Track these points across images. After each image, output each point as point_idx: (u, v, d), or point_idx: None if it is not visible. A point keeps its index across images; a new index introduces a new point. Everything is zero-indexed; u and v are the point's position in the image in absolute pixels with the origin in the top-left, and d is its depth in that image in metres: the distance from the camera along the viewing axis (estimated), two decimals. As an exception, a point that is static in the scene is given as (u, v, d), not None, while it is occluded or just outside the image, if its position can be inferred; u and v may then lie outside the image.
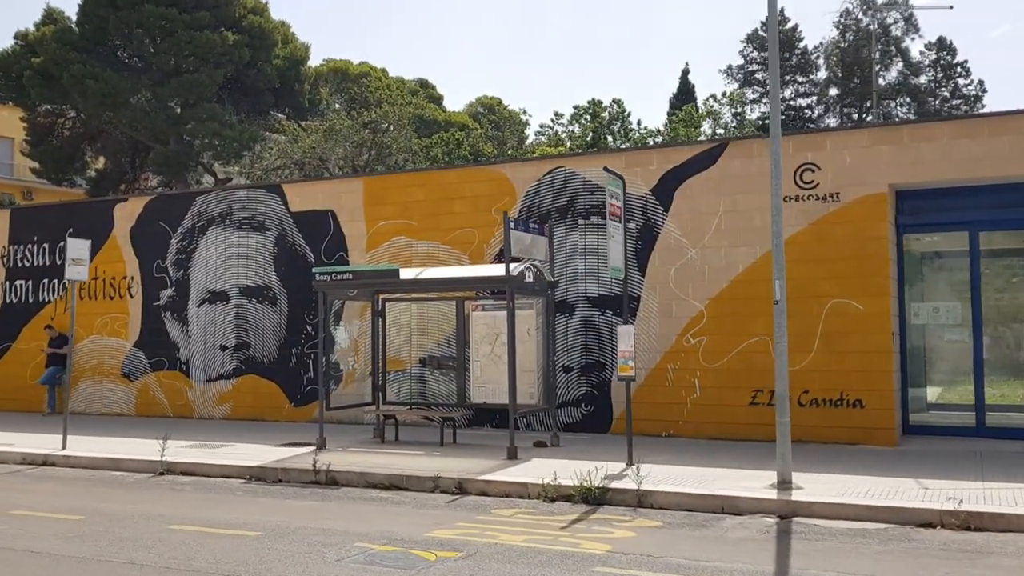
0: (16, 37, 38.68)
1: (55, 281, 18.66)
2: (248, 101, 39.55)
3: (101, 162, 42.50)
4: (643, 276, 13.38)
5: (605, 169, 10.59)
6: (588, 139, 35.30)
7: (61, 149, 40.34)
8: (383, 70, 45.30)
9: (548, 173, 14.17)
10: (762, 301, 12.58)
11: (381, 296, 13.47)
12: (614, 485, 8.92)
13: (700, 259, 12.98)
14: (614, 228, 10.27)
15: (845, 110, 41.73)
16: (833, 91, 43.25)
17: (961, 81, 42.88)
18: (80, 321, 18.14)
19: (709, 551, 6.90)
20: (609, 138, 35.50)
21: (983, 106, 42.08)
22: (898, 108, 42.28)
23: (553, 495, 8.99)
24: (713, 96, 32.90)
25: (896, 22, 41.80)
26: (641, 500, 8.65)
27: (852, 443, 11.93)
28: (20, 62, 37.07)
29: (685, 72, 39.51)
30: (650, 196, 13.40)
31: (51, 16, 38.32)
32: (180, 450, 12.16)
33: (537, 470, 10.08)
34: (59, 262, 18.59)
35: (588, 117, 37.23)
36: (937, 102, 42.40)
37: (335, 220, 15.85)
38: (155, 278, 17.54)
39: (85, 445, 12.84)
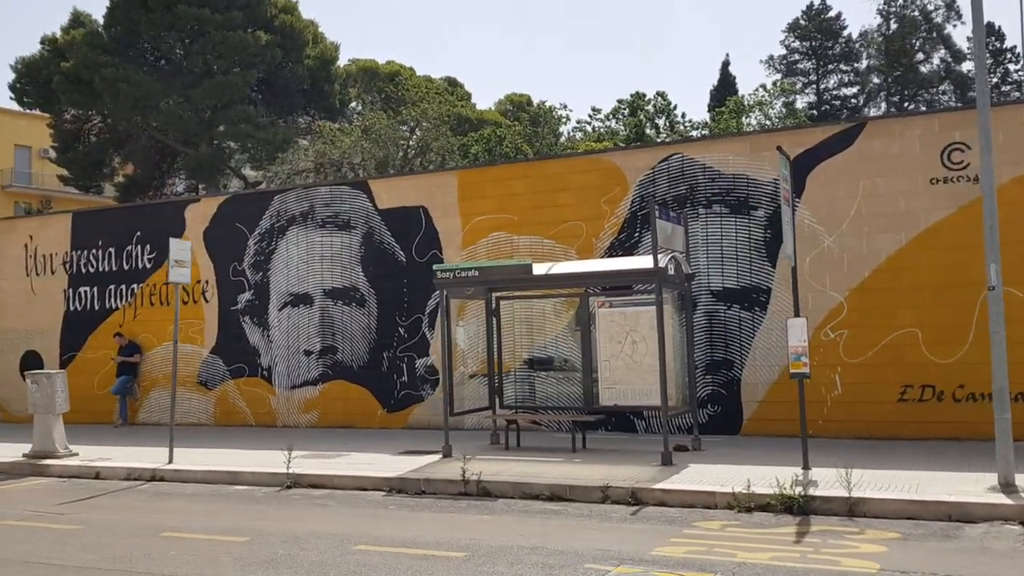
0: (43, 42, 38.00)
1: (122, 287, 17.92)
2: (279, 102, 38.82)
3: (129, 168, 41.80)
4: (774, 267, 12.63)
5: (778, 149, 9.84)
6: (631, 134, 34.56)
7: (89, 155, 39.66)
8: (411, 69, 44.58)
9: (663, 161, 13.42)
10: (910, 291, 11.85)
11: (495, 294, 12.72)
12: (819, 493, 8.17)
13: (838, 247, 12.22)
14: (786, 213, 9.51)
15: (892, 99, 40.90)
16: (875, 79, 42.41)
17: (1012, 67, 42.13)
18: (151, 328, 17.46)
19: (990, 565, 6.16)
20: (652, 132, 34.75)
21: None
22: (941, 96, 41.48)
23: (748, 505, 8.24)
24: (763, 86, 32.10)
25: (937, 9, 41.04)
26: (853, 509, 7.90)
27: (1018, 440, 11.15)
28: (49, 67, 36.34)
29: (725, 64, 38.80)
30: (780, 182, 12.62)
31: (79, 19, 37.61)
32: (296, 461, 11.40)
33: (704, 477, 9.34)
34: (127, 267, 17.87)
35: (627, 111, 36.51)
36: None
37: (427, 216, 15.11)
38: (232, 281, 16.80)
39: (189, 458, 12.09)
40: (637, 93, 33.03)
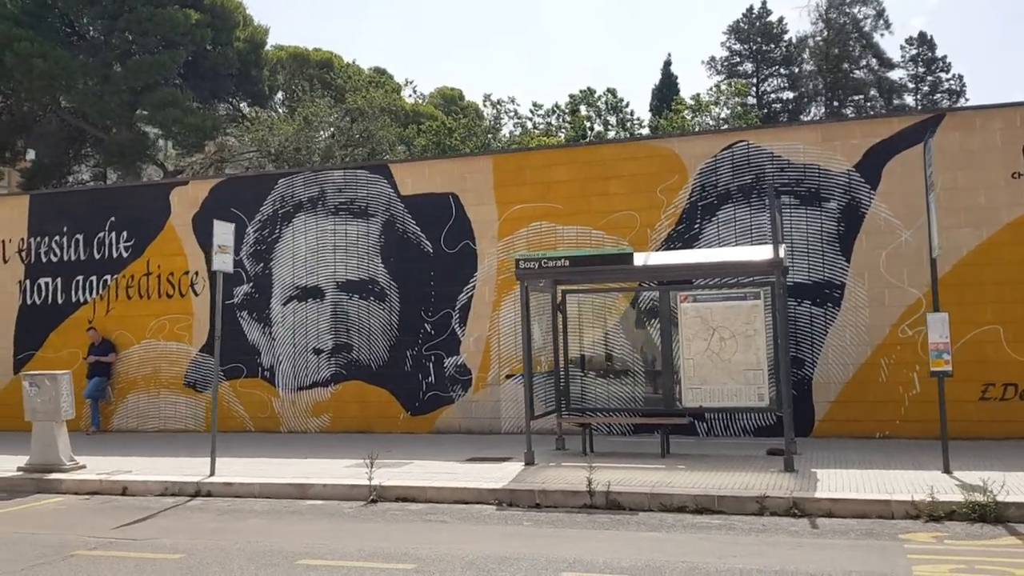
0: (-60, 10, 34.40)
1: (92, 278, 16.04)
2: (205, 86, 36.46)
3: (33, 153, 38.48)
4: (848, 261, 12.22)
5: (931, 133, 9.34)
6: (575, 134, 34.09)
7: (-10, 138, 36.20)
8: (339, 56, 42.83)
9: (727, 148, 12.83)
10: (992, 286, 11.64)
11: (560, 287, 11.82)
12: (1010, 499, 7.67)
13: (915, 242, 11.89)
14: (932, 201, 9.03)
15: (834, 103, 41.94)
16: (812, 83, 43.34)
17: (943, 75, 43.94)
18: (126, 324, 15.77)
19: None
20: (599, 129, 34.40)
21: (966, 99, 43.43)
22: (869, 103, 42.85)
23: (935, 514, 7.67)
24: (716, 86, 32.16)
25: (866, 18, 42.41)
26: (1050, 514, 7.45)
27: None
28: (-48, 39, 32.92)
29: (667, 63, 38.83)
30: (853, 172, 12.24)
31: (-16, -14, 34.23)
32: (358, 471, 10.22)
33: (846, 483, 8.77)
34: (98, 256, 16.01)
35: (567, 110, 36.06)
36: (919, 96, 43.29)
37: (458, 204, 14.05)
38: (227, 273, 15.21)
39: (230, 469, 10.68)
40: (588, 89, 32.52)
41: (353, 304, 14.53)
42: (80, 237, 16.15)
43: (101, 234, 16.01)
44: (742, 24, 43.75)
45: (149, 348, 15.60)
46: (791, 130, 13.82)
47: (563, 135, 35.57)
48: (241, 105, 39.92)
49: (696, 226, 12.87)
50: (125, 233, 15.87)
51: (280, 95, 41.48)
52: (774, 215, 9.74)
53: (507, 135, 38.29)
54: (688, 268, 10.80)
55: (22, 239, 16.53)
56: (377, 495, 9.34)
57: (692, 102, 30.98)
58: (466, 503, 9.05)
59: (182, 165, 38.74)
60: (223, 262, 10.73)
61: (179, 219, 15.59)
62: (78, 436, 14.96)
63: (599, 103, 32.64)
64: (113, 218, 15.97)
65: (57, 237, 16.30)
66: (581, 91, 33.04)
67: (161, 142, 37.91)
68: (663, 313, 11.40)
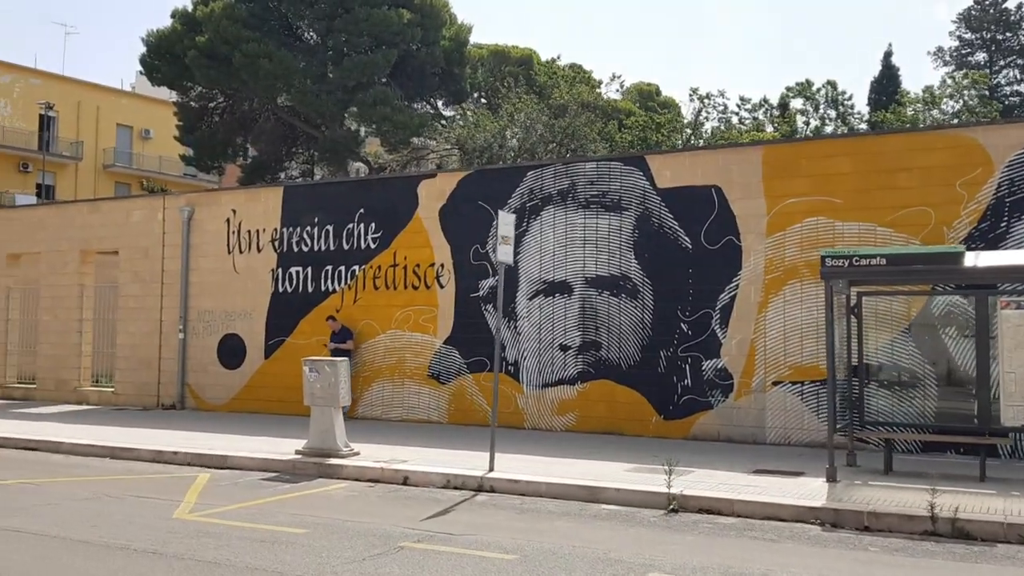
0: (174, 16, 36.92)
1: (341, 268, 16.38)
2: (413, 85, 37.32)
3: (254, 149, 40.69)
4: None
5: None
6: (785, 130, 32.45)
7: (214, 136, 38.54)
8: (537, 54, 42.83)
9: (1043, 138, 11.44)
10: None
11: (855, 289, 10.84)
12: None
13: None
14: None
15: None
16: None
17: None
18: (373, 314, 15.95)
19: None
20: (815, 124, 32.58)
21: None
22: None
23: None
24: (952, 77, 29.76)
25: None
26: None
27: None
28: (182, 41, 35.23)
29: (888, 55, 36.41)
30: None
31: (213, -7, 36.45)
32: (640, 476, 9.69)
33: None
34: (347, 247, 16.33)
35: (774, 108, 34.43)
36: None
37: (720, 197, 13.29)
38: (472, 265, 15.15)
39: (507, 465, 10.39)
40: (806, 81, 30.84)
41: (603, 300, 14.06)
42: (330, 228, 16.53)
43: (350, 225, 16.32)
44: (974, 12, 40.40)
45: (394, 338, 15.75)
46: None
47: (771, 130, 34.03)
48: (438, 103, 40.70)
49: (1003, 224, 11.54)
50: (373, 224, 16.10)
51: (475, 94, 42.01)
52: None
53: (709, 131, 37.03)
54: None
55: (275, 229, 17.11)
56: (678, 504, 8.75)
57: (923, 94, 28.74)
58: (780, 520, 8.31)
59: (382, 162, 39.91)
60: (505, 253, 10.45)
61: (426, 211, 15.64)
62: (298, 421, 15.28)
63: (817, 96, 30.88)
64: (362, 210, 16.24)
65: (308, 228, 16.76)
66: (798, 83, 31.39)
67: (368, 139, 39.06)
68: (980, 321, 10.22)
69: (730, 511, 8.59)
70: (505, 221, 10.46)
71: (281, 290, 16.99)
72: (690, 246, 13.45)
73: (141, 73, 39.66)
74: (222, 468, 11.30)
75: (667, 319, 13.56)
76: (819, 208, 12.60)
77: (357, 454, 11.29)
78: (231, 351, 17.40)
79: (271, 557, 6.78)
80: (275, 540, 7.32)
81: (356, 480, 10.45)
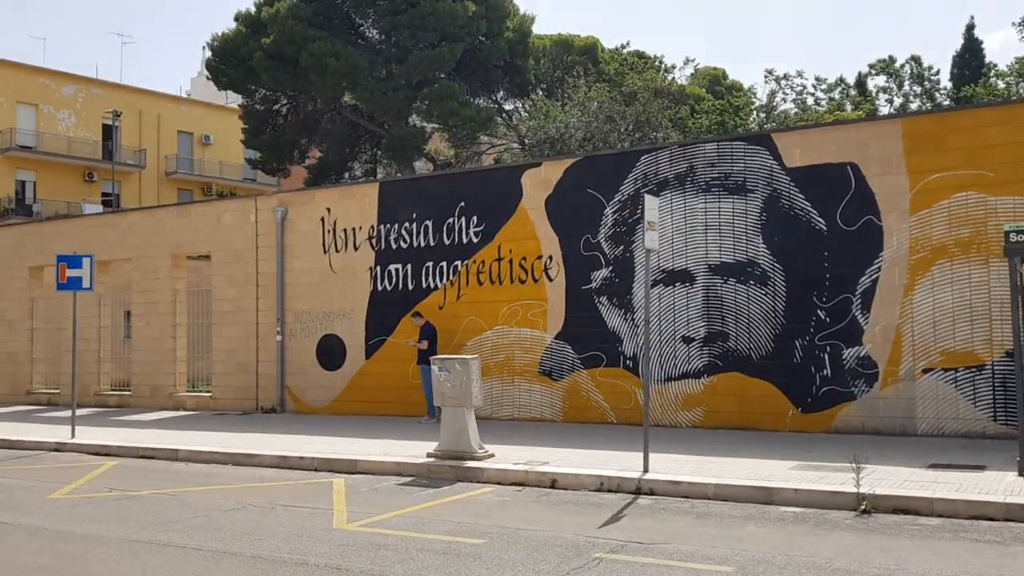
0: (237, 19, 36.88)
1: (443, 264, 15.89)
2: (477, 78, 36.84)
3: (318, 151, 40.57)
4: None
5: None
6: (869, 108, 31.27)
7: (280, 138, 38.46)
8: (600, 42, 42.03)
9: None
10: None
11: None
12: None
13: None
14: None
15: None
16: None
17: None
18: (478, 310, 15.44)
19: None
20: (898, 102, 31.37)
21: None
22: None
23: None
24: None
25: None
26: None
27: None
28: (248, 44, 35.17)
29: (970, 27, 34.95)
30: None
31: (276, -6, 36.34)
32: (800, 474, 9.01)
33: None
34: (447, 242, 15.83)
35: (851, 87, 33.27)
36: None
37: (857, 175, 12.51)
38: (583, 256, 14.55)
39: (661, 465, 9.77)
40: (888, 58, 29.66)
41: (729, 288, 13.36)
42: (429, 223, 16.05)
43: (451, 219, 15.81)
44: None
45: (501, 334, 15.21)
46: None
47: (851, 110, 32.86)
48: (498, 96, 40.10)
49: None
50: (475, 218, 15.58)
51: (541, 85, 41.34)
52: None
53: (782, 114, 35.92)
54: None
55: (372, 226, 16.69)
56: (870, 505, 8.05)
57: (1016, 66, 27.43)
58: (989, 519, 7.58)
59: (443, 159, 39.49)
60: (652, 240, 9.81)
61: (531, 202, 15.08)
62: (406, 422, 14.81)
63: (902, 72, 29.69)
64: (463, 203, 15.72)
65: (407, 224, 16.30)
66: (880, 60, 30.20)
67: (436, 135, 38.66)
68: None
69: (929, 511, 7.87)
70: (650, 205, 9.82)
71: (380, 288, 16.56)
72: (825, 228, 12.68)
73: (208, 78, 39.72)
74: (352, 473, 10.85)
75: (801, 306, 12.81)
76: (968, 182, 11.76)
77: (492, 456, 10.76)
78: (330, 352, 17.03)
79: (463, 571, 6.25)
80: (456, 552, 6.80)
81: (499, 484, 9.91)
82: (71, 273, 14.22)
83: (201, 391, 19.42)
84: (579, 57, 38.98)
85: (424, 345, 15.08)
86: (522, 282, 15.09)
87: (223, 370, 18.44)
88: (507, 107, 40.87)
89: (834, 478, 8.90)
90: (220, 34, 36.58)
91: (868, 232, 12.37)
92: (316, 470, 11.19)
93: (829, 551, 6.66)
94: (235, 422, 16.07)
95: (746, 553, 6.62)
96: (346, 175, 40.64)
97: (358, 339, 16.70)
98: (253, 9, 36.51)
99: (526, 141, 34.35)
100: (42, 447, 13.81)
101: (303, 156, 39.86)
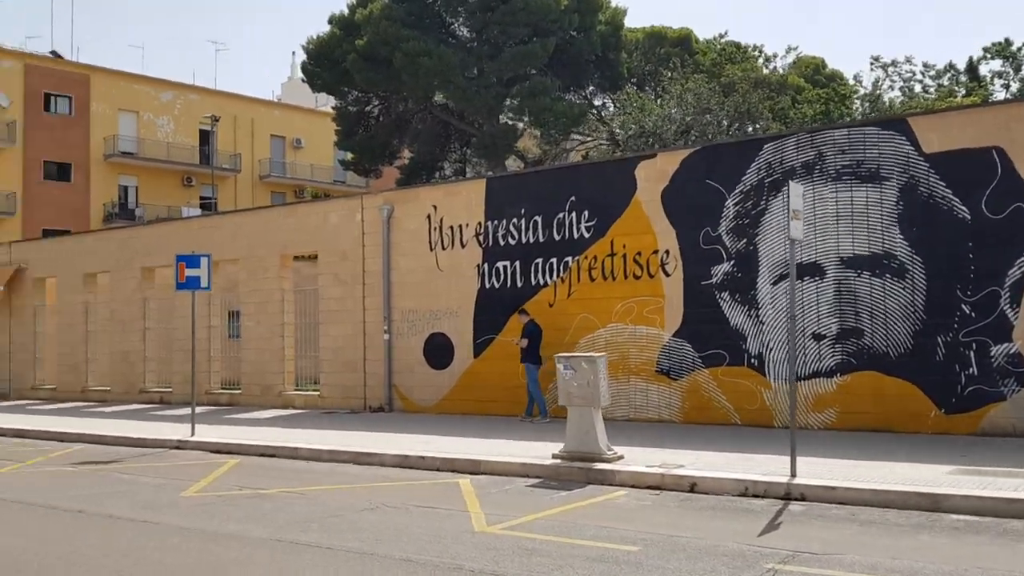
0: (331, 21, 37.31)
1: (552, 260, 15.55)
2: (569, 73, 36.45)
3: (408, 151, 40.79)
4: None
5: None
6: (987, 93, 29.72)
7: (373, 138, 38.78)
8: (694, 33, 41.12)
9: None
10: None
11: None
12: None
13: None
14: None
15: None
16: None
17: None
18: (590, 307, 15.06)
19: None
20: (1017, 87, 29.70)
21: None
22: None
23: None
24: None
25: None
26: None
27: None
28: (342, 46, 35.54)
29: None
30: None
31: (368, -5, 36.64)
32: (961, 480, 8.33)
33: None
34: (557, 237, 15.48)
35: (961, 73, 31.69)
36: None
37: (1004, 160, 11.68)
38: (702, 250, 14.01)
39: (812, 469, 9.21)
40: (1004, 40, 28.11)
41: (863, 282, 12.65)
42: (538, 219, 15.73)
43: (560, 215, 15.46)
44: None
45: (615, 332, 14.79)
46: None
47: (960, 98, 31.34)
48: (589, 91, 39.59)
49: None
50: (586, 213, 15.19)
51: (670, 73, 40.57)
52: None
53: (887, 102, 34.52)
54: None
55: (479, 223, 16.46)
56: (1057, 515, 7.37)
57: None
58: None
59: (536, 156, 39.21)
60: (796, 229, 9.26)
61: (646, 195, 14.61)
62: (517, 422, 14.50)
63: (1020, 56, 28.11)
64: (573, 197, 15.35)
65: (515, 220, 16.01)
66: (995, 43, 28.67)
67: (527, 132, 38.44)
68: None
69: None
70: (795, 192, 9.26)
71: (488, 286, 16.32)
72: (968, 217, 11.88)
73: (303, 80, 40.30)
74: (475, 473, 10.58)
75: (944, 300, 12.04)
76: None
77: (621, 458, 10.34)
78: (438, 351, 16.87)
79: (629, 582, 5.87)
80: (613, 559, 6.42)
81: (633, 487, 9.49)
82: (189, 272, 14.36)
83: (308, 390, 19.52)
84: (673, 49, 38.24)
85: (525, 343, 14.82)
86: (637, 278, 14.63)
87: (330, 369, 18.47)
88: (596, 103, 40.39)
89: (1004, 483, 8.23)
90: (315, 37, 37.10)
91: (1017, 221, 11.54)
92: (438, 470, 10.96)
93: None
94: (346, 421, 16.04)
95: (932, 566, 6.06)
96: (436, 174, 40.73)
97: (466, 337, 16.50)
98: (346, 12, 36.90)
99: (617, 136, 33.84)
100: (164, 444, 13.97)
101: (394, 156, 40.13)
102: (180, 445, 13.79)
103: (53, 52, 52.02)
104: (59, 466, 12.25)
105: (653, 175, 14.58)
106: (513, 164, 39.42)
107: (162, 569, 6.51)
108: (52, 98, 49.60)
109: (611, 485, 9.66)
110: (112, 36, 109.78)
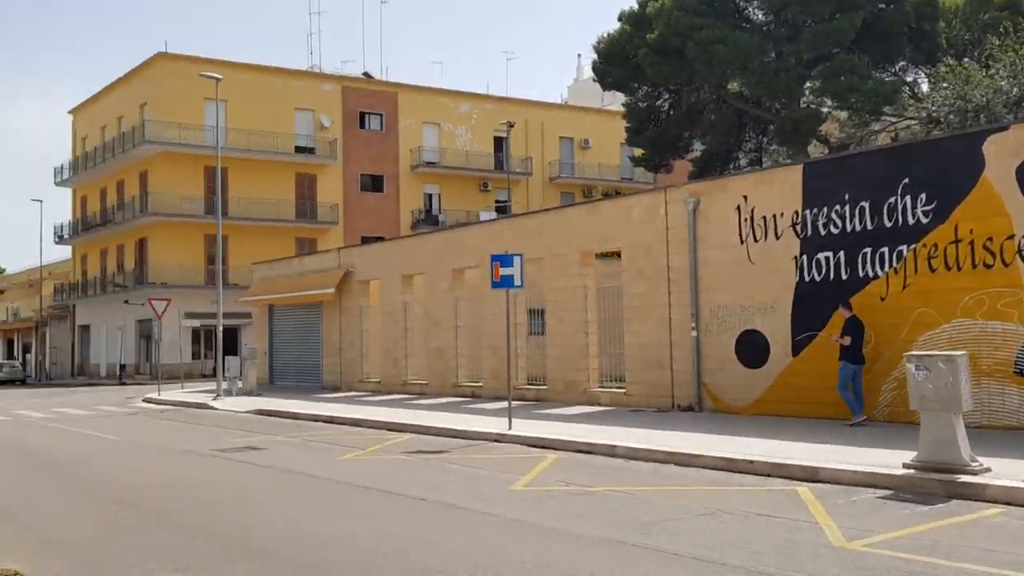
0: (621, 19, 37.32)
1: (883, 249, 14.13)
2: (878, 48, 33.59)
3: (700, 144, 39.86)
4: None
5: None
6: None
7: (663, 133, 38.28)
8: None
9: None
10: None
11: None
12: None
13: None
14: None
15: None
16: None
17: None
18: (930, 300, 13.46)
19: None
20: None
21: None
22: None
23: None
24: None
25: None
26: None
27: None
28: (632, 42, 35.39)
29: None
30: None
31: (659, -12, 36.14)
32: None
33: None
34: (888, 224, 14.05)
35: None
36: None
37: None
38: (1080, 232, 12.01)
39: None
40: None
41: None
42: (865, 205, 14.37)
43: (892, 199, 14.01)
44: None
45: (962, 329, 13.11)
46: None
47: None
48: (898, 66, 36.23)
49: None
50: (923, 196, 13.62)
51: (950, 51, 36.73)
52: None
53: None
54: None
55: (795, 212, 15.39)
56: None
57: None
58: None
59: (839, 139, 36.58)
60: None
61: (996, 172, 12.82)
62: (843, 426, 13.22)
63: None
64: (906, 180, 13.85)
65: (837, 207, 14.76)
66: None
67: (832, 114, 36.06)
68: None
69: None
70: None
71: (807, 279, 15.19)
72: None
73: (594, 79, 40.76)
74: (812, 481, 9.73)
75: None
76: None
77: (988, 470, 9.03)
78: (751, 348, 16.01)
79: (1049, 624, 4.90)
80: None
81: (1008, 504, 8.22)
82: (504, 272, 14.73)
83: (612, 387, 19.43)
84: (1000, 13, 33.97)
85: (847, 341, 13.62)
86: (988, 266, 12.89)
87: (636, 366, 18.23)
88: (907, 79, 36.96)
89: None
90: (605, 35, 37.31)
91: None
92: (768, 476, 10.24)
93: None
94: (654, 420, 15.68)
95: None
96: (731, 166, 39.37)
97: (783, 334, 15.50)
98: (636, 7, 36.73)
99: (935, 114, 30.61)
100: (484, 437, 14.43)
101: (685, 150, 39.38)
102: (499, 438, 14.16)
103: (365, 73, 56.96)
104: (395, 454, 13.03)
105: (1005, 150, 12.76)
106: (815, 150, 37.13)
107: (512, 568, 6.47)
108: (366, 116, 54.33)
109: (979, 501, 8.43)
110: (414, 53, 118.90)
